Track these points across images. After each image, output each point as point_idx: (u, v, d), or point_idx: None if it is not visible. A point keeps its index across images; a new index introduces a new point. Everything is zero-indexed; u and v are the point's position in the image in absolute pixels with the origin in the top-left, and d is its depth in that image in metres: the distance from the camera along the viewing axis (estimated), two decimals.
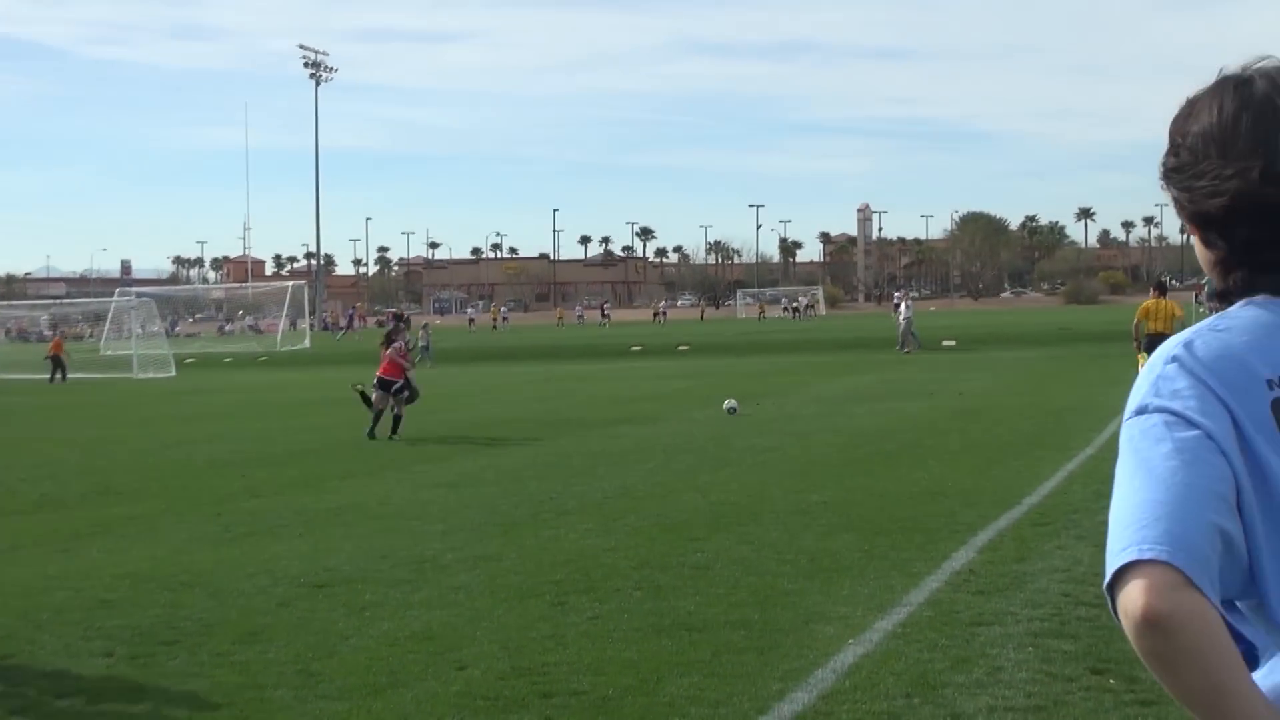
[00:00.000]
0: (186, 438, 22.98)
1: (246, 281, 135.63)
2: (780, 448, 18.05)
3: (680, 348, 52.88)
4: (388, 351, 22.32)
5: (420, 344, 50.01)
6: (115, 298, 68.58)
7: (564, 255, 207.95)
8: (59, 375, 45.80)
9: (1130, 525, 1.70)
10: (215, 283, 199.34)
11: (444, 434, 21.83)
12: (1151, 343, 23.52)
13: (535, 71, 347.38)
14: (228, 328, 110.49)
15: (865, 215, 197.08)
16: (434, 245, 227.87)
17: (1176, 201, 1.93)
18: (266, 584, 10.10)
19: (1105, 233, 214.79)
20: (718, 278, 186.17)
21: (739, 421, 22.09)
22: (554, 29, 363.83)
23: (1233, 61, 1.92)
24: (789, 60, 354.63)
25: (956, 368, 36.19)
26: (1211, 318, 1.90)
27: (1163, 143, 1.96)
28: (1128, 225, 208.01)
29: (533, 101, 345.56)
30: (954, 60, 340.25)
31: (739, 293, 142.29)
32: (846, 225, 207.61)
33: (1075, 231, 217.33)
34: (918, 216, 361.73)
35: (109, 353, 60.64)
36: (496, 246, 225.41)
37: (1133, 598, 1.65)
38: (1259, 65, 1.90)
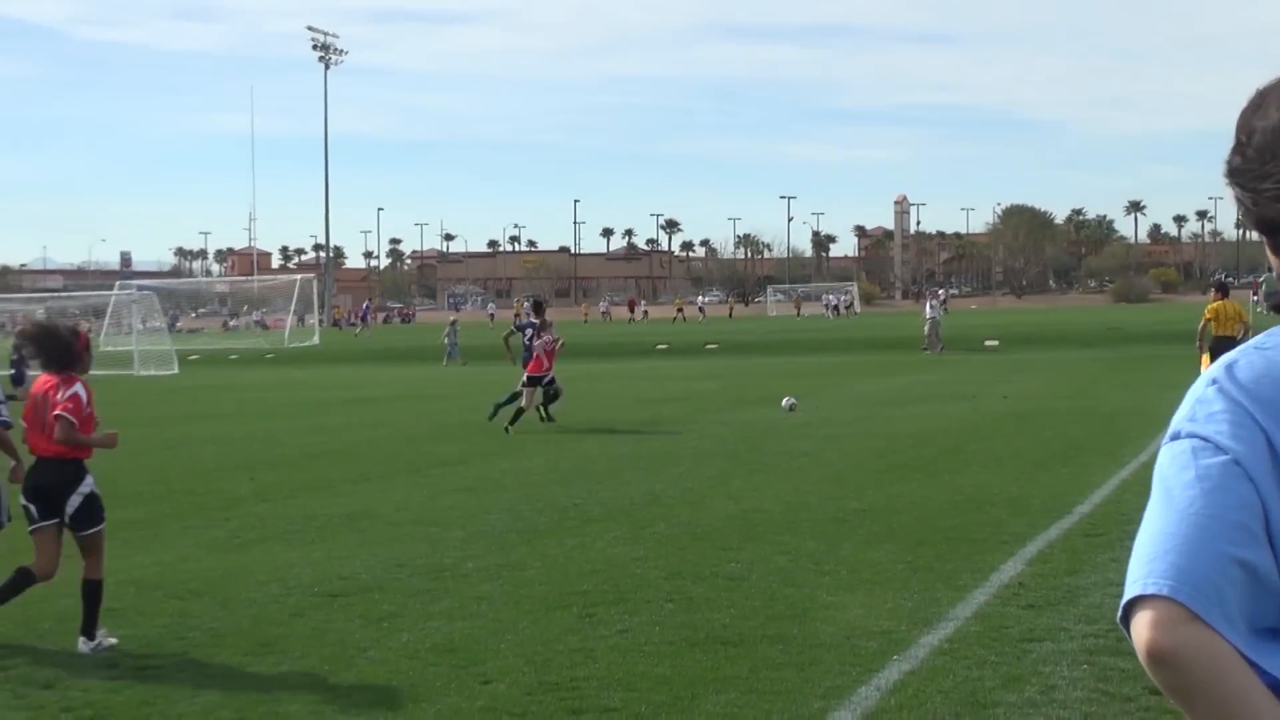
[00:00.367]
0: (191, 438, 23.09)
1: (252, 274, 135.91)
2: (816, 452, 18.04)
3: (708, 346, 52.91)
4: (537, 344, 22.89)
5: (446, 341, 50.19)
6: (115, 291, 68.77)
7: (585, 248, 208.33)
8: None
9: (1143, 558, 1.74)
10: (219, 276, 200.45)
11: (462, 436, 21.88)
12: (1217, 346, 23.40)
13: (556, 55, 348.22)
14: (233, 323, 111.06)
15: (903, 208, 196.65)
16: (449, 237, 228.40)
17: (1240, 203, 1.87)
18: (279, 593, 10.14)
19: (1156, 227, 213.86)
20: (747, 273, 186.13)
21: (772, 425, 22.09)
22: (575, 10, 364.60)
23: None
24: (823, 44, 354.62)
25: (999, 369, 36.12)
26: (1260, 335, 1.89)
27: (1219, 131, 1.92)
28: (1180, 220, 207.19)
29: (553, 86, 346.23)
30: (997, 44, 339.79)
31: (769, 289, 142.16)
32: (883, 218, 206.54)
33: (1124, 226, 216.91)
34: (958, 209, 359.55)
35: (109, 348, 60.84)
36: (515, 239, 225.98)
37: (1139, 632, 1.70)
38: None
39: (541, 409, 23.08)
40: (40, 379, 9.13)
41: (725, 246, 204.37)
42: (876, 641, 8.15)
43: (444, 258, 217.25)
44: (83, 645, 8.58)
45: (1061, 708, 6.78)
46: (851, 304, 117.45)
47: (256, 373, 48.84)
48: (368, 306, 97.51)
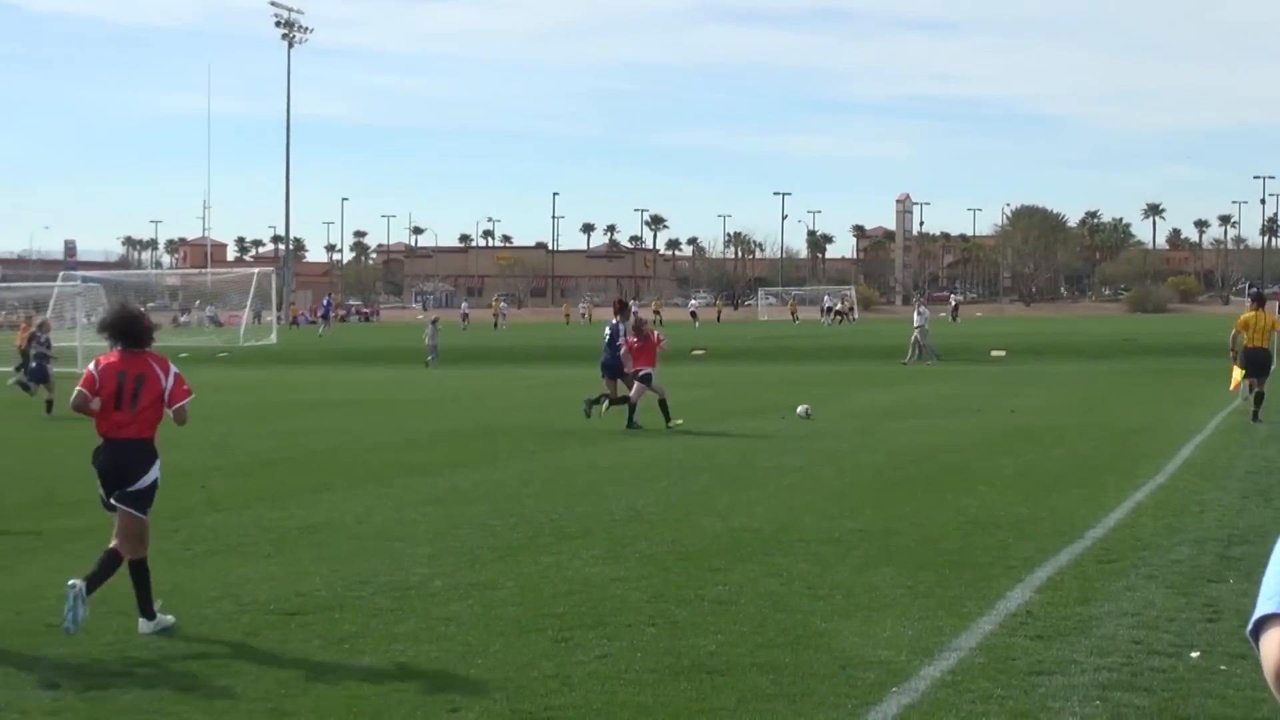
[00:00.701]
0: None
1: (205, 267, 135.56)
2: (810, 468, 18.07)
3: (695, 352, 52.93)
4: (636, 342, 23.85)
5: (428, 342, 50.29)
6: (58, 282, 68.73)
7: (564, 245, 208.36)
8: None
9: (1276, 576, 1.79)
10: (170, 267, 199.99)
11: (431, 445, 21.86)
12: (1249, 357, 23.67)
13: (535, 37, 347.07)
14: (184, 319, 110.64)
15: (905, 207, 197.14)
16: (418, 231, 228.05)
17: None
18: (231, 610, 10.12)
19: (1176, 232, 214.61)
20: (737, 274, 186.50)
21: (763, 439, 22.12)
22: None
23: None
24: (822, 30, 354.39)
25: (1006, 381, 36.23)
26: None
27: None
28: (1201, 224, 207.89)
29: (532, 71, 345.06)
30: (1007, 34, 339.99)
31: (761, 291, 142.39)
32: (883, 218, 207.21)
33: (1142, 230, 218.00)
34: (964, 209, 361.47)
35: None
36: (488, 234, 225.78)
37: (1267, 650, 1.76)
38: None
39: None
40: (111, 358, 10.39)
41: (714, 245, 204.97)
42: (874, 672, 8.16)
43: (412, 252, 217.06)
44: (143, 627, 9.40)
45: None
46: (852, 308, 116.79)
47: (209, 372, 48.69)
48: (328, 303, 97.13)
